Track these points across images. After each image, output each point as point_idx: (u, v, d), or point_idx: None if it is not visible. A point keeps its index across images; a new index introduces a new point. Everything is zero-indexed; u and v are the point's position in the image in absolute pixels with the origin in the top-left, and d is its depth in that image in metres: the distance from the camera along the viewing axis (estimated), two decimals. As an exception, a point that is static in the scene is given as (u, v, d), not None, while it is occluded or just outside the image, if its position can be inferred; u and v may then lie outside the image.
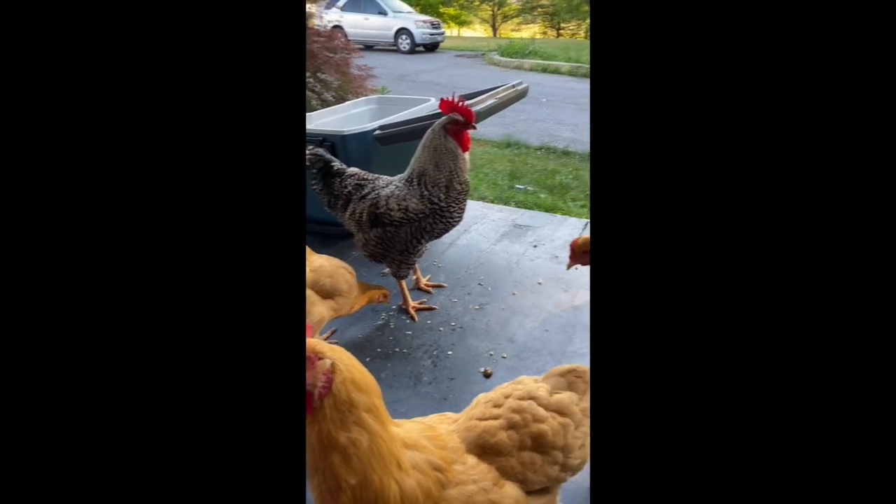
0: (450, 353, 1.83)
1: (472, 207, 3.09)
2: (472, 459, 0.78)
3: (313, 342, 0.73)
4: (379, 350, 1.85)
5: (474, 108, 1.93)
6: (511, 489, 0.78)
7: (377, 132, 2.40)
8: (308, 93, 4.70)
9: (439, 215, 1.86)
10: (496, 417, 0.83)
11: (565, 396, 0.88)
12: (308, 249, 1.68)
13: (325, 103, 4.91)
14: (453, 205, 1.86)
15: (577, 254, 1.56)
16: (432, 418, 0.88)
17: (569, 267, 1.64)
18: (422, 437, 0.78)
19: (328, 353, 0.73)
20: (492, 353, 1.82)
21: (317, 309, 1.61)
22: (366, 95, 4.18)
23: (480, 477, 0.76)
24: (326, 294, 1.65)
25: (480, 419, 0.84)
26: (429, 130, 1.84)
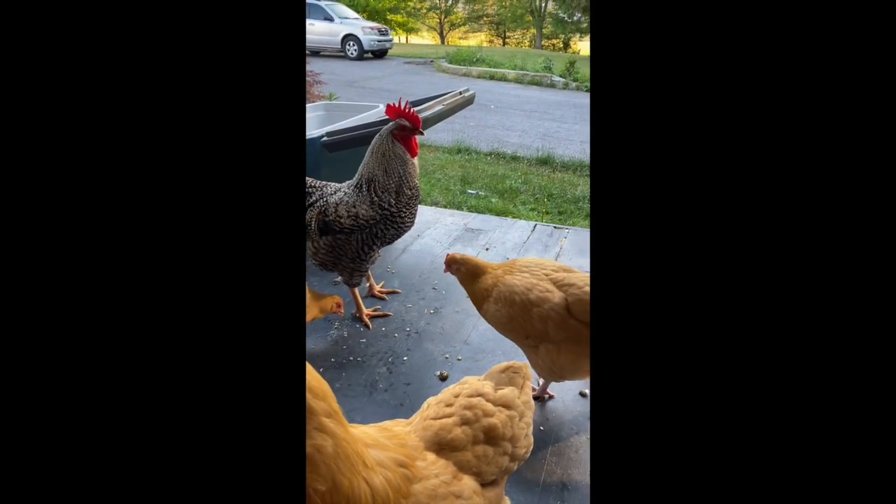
0: (405, 358, 1.83)
1: (425, 212, 3.11)
2: (431, 456, 0.80)
3: None
4: (333, 360, 1.82)
5: (422, 115, 1.95)
6: (469, 481, 0.80)
7: (325, 138, 2.37)
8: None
9: (390, 221, 1.86)
10: (449, 416, 0.85)
11: (508, 391, 0.92)
12: None
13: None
14: (404, 210, 1.87)
15: (448, 264, 1.63)
16: (385, 423, 0.88)
17: (445, 271, 1.69)
18: (381, 437, 0.78)
19: None
20: (447, 356, 1.84)
21: None
22: (314, 101, 4.10)
23: (441, 471, 0.78)
24: None
25: (434, 418, 0.85)
26: (376, 136, 1.84)
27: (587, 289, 1.41)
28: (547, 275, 1.46)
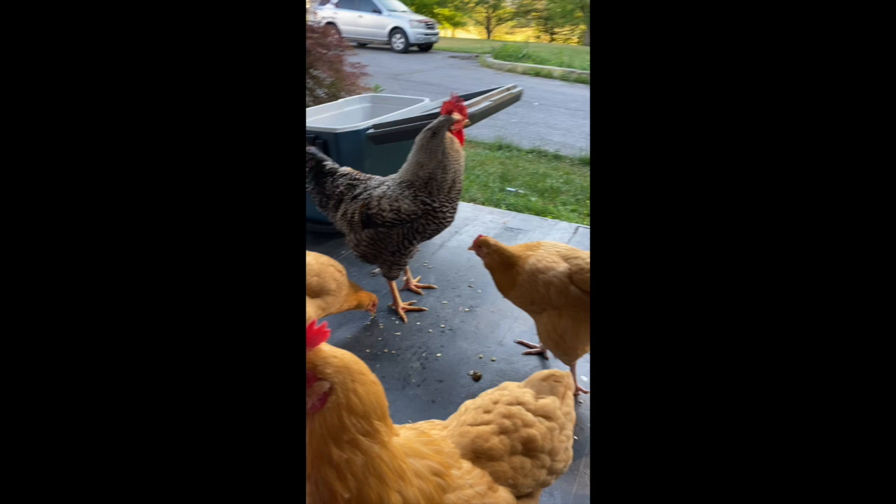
0: (438, 355, 1.83)
1: (464, 209, 3.09)
2: (466, 464, 0.78)
3: (321, 357, 0.70)
4: (368, 350, 1.84)
5: (469, 110, 1.93)
6: (504, 493, 0.78)
7: (370, 131, 2.38)
8: (300, 89, 4.65)
9: (431, 216, 1.85)
10: (487, 423, 0.83)
11: (549, 401, 0.89)
12: None
13: (318, 100, 4.87)
14: (446, 205, 1.86)
15: (477, 245, 1.69)
16: (422, 425, 0.87)
17: (470, 248, 1.74)
18: (419, 443, 0.77)
19: (331, 374, 0.70)
20: (481, 356, 1.82)
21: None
22: (358, 93, 4.15)
23: (476, 482, 0.76)
24: (313, 293, 1.63)
25: (472, 425, 0.83)
26: (426, 132, 1.82)
27: (589, 260, 1.51)
28: (558, 252, 1.60)
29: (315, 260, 1.65)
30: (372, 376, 0.74)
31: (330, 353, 0.72)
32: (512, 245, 1.71)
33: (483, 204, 3.41)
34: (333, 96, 4.73)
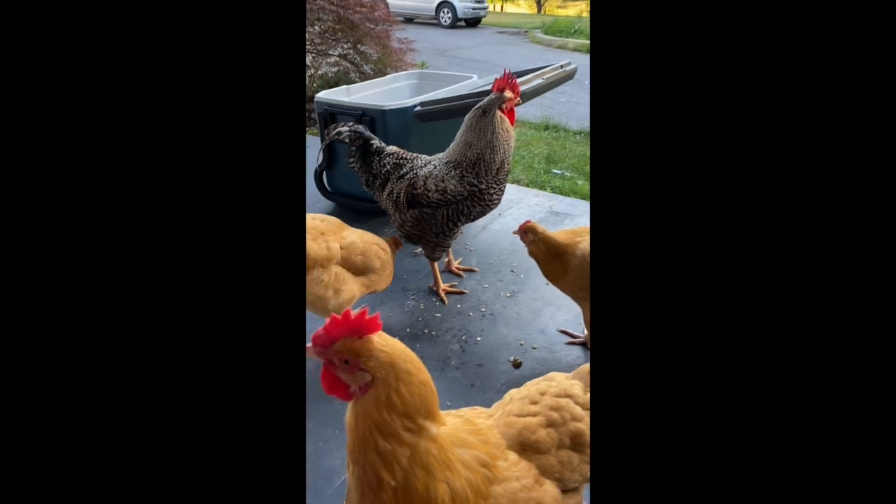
0: (479, 339, 1.81)
1: (508, 191, 3.01)
2: (513, 456, 0.76)
3: (367, 348, 0.68)
4: (408, 330, 1.85)
5: (521, 88, 1.86)
6: (551, 488, 0.76)
7: (418, 108, 2.35)
8: (347, 65, 4.65)
9: (478, 198, 1.81)
10: (534, 414, 0.81)
11: None
12: (340, 223, 1.66)
13: (364, 76, 4.85)
14: (493, 187, 1.81)
15: (523, 231, 1.64)
16: (467, 412, 0.86)
17: (515, 232, 1.70)
18: (465, 432, 0.76)
19: (374, 368, 0.68)
20: (522, 342, 1.79)
21: (348, 287, 1.61)
22: (405, 69, 4.10)
23: (522, 474, 0.74)
24: (358, 271, 1.64)
25: (518, 415, 0.81)
26: (476, 111, 1.77)
27: None
28: None
29: (360, 238, 1.66)
30: (422, 376, 0.71)
31: (379, 345, 0.69)
32: (557, 231, 1.65)
33: (528, 186, 3.32)
34: (380, 72, 4.70)
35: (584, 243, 1.56)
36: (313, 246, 1.50)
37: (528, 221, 1.65)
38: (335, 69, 4.95)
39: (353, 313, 0.70)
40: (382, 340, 0.70)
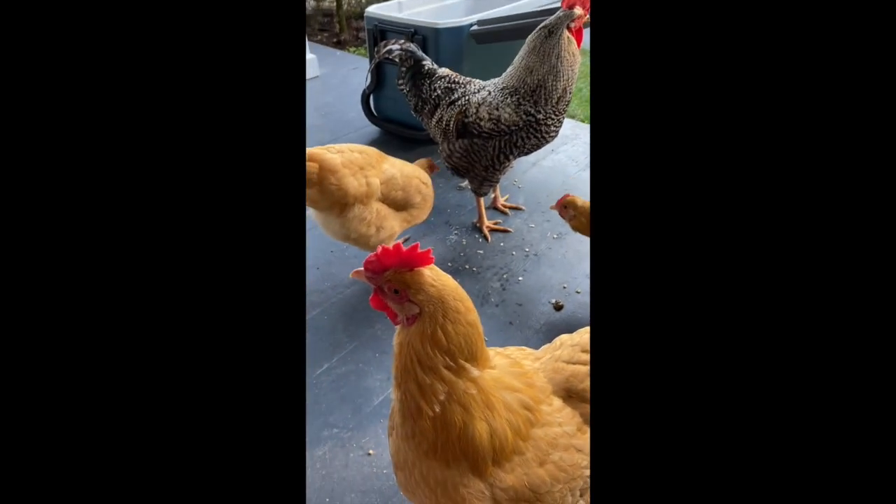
0: (520, 278, 1.77)
1: (563, 126, 2.82)
2: (557, 402, 0.75)
3: (417, 281, 0.66)
4: (449, 265, 1.83)
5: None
6: None
7: (474, 28, 2.15)
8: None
9: (534, 129, 1.68)
10: (584, 363, 0.77)
11: None
12: (380, 155, 1.58)
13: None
14: (551, 118, 1.67)
15: (561, 205, 1.53)
16: (514, 353, 0.83)
17: (553, 207, 1.59)
18: (511, 375, 0.74)
19: (422, 301, 0.67)
20: (565, 285, 1.74)
21: (389, 223, 1.57)
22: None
23: (565, 420, 0.73)
24: (399, 206, 1.59)
25: (567, 362, 0.78)
26: (541, 31, 1.58)
27: None
28: None
29: (400, 172, 1.58)
30: (470, 316, 0.69)
31: (430, 279, 0.67)
32: None
33: (583, 122, 3.09)
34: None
35: None
36: (353, 182, 1.45)
37: (566, 195, 1.52)
38: (385, -17, 4.62)
39: (406, 246, 0.67)
40: (434, 275, 0.68)
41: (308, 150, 1.41)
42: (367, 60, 3.75)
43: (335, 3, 4.38)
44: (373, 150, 1.56)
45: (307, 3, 4.76)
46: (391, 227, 1.58)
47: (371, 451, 1.24)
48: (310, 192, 1.43)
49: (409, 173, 1.61)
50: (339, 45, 4.18)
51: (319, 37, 4.31)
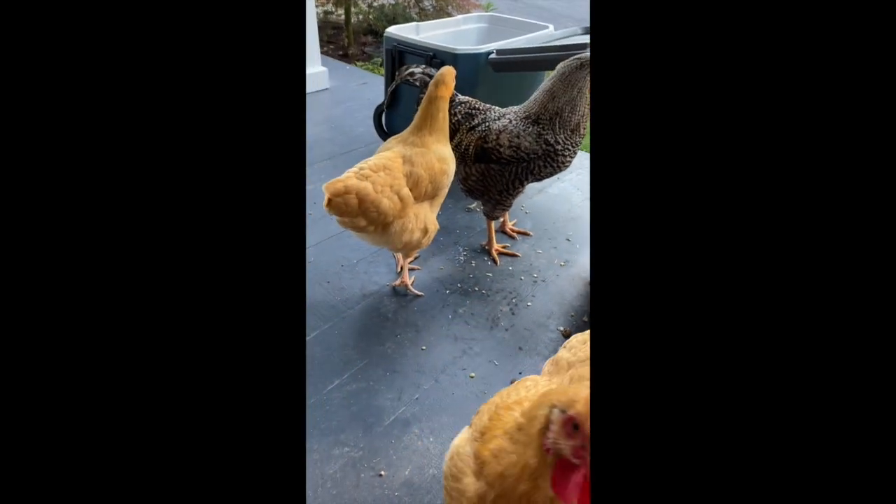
0: (529, 304, 1.80)
1: (566, 155, 2.90)
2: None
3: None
4: (459, 286, 1.84)
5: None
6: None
7: (492, 56, 2.21)
8: (409, -2, 4.41)
9: (551, 158, 1.73)
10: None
11: None
12: (395, 157, 1.57)
13: (423, 13, 4.60)
14: (568, 148, 1.72)
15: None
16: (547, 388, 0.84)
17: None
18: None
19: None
20: (572, 314, 1.77)
21: (429, 218, 1.62)
22: (468, 10, 3.85)
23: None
24: (431, 196, 1.62)
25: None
26: (574, 61, 1.64)
27: None
28: None
29: (422, 165, 1.56)
30: None
31: None
32: None
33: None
34: (441, 10, 4.45)
35: None
36: (387, 203, 1.48)
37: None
38: (393, 1, 4.70)
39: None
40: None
41: (344, 183, 1.43)
42: (374, 76, 3.80)
43: (344, 17, 4.44)
44: (392, 157, 1.56)
45: (316, 14, 4.82)
46: (433, 222, 1.64)
47: (382, 473, 1.23)
48: (356, 222, 1.47)
49: (430, 161, 1.59)
50: (346, 58, 4.22)
51: (326, 48, 4.35)
